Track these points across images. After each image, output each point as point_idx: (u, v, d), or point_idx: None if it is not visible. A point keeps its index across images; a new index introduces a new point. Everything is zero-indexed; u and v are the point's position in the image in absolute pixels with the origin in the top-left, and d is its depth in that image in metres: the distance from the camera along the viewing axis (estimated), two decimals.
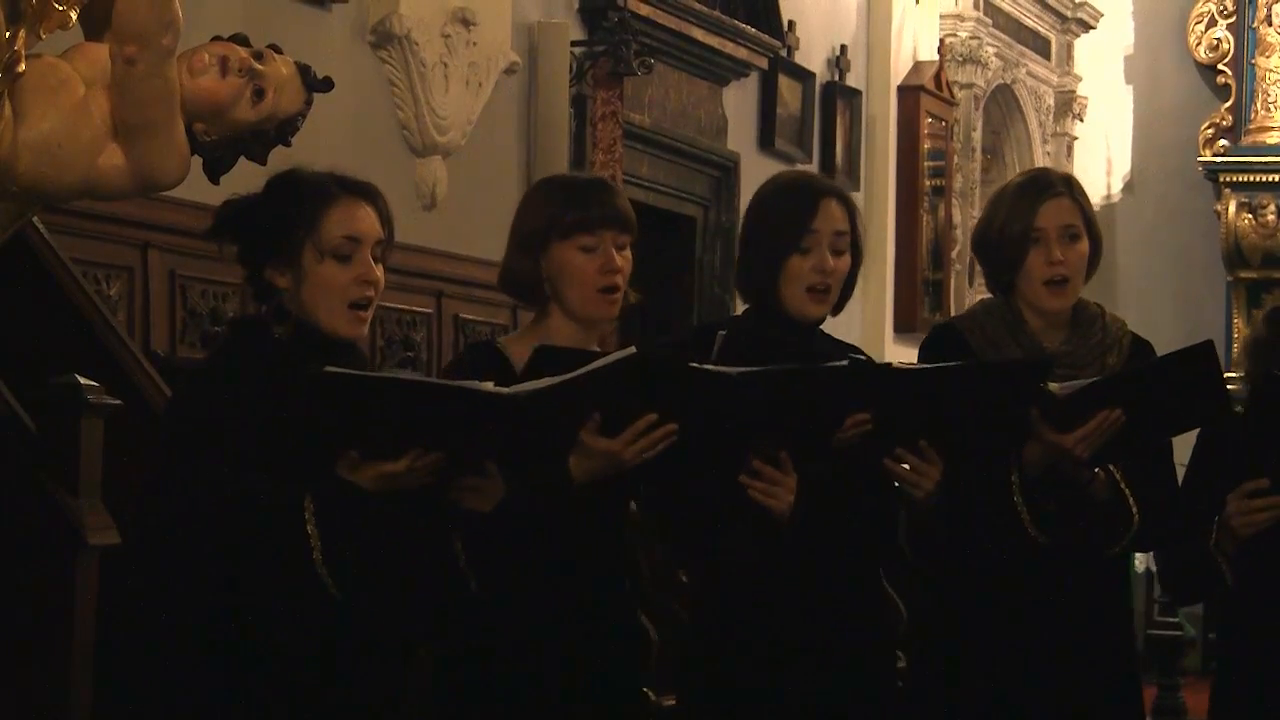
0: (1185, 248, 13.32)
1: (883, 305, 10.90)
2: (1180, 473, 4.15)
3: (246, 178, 3.65)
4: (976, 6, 11.77)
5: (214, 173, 3.92)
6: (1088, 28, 13.32)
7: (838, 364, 3.70)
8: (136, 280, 5.95)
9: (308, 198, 3.46)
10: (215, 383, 3.44)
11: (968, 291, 11.37)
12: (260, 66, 3.85)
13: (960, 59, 11.63)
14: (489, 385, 3.37)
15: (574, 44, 8.08)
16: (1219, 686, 4.37)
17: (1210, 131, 13.19)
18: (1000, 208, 4.13)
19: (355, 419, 3.29)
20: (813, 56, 10.26)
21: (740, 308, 4.25)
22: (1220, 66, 13.27)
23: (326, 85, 3.99)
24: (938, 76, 11.26)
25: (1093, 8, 13.22)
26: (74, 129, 3.75)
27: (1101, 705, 4.07)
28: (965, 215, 11.39)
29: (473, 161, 7.50)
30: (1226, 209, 12.97)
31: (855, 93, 10.66)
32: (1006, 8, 12.31)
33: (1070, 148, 13.27)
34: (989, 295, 4.24)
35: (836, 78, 10.48)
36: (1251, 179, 12.97)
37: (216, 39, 3.91)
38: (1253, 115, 13.06)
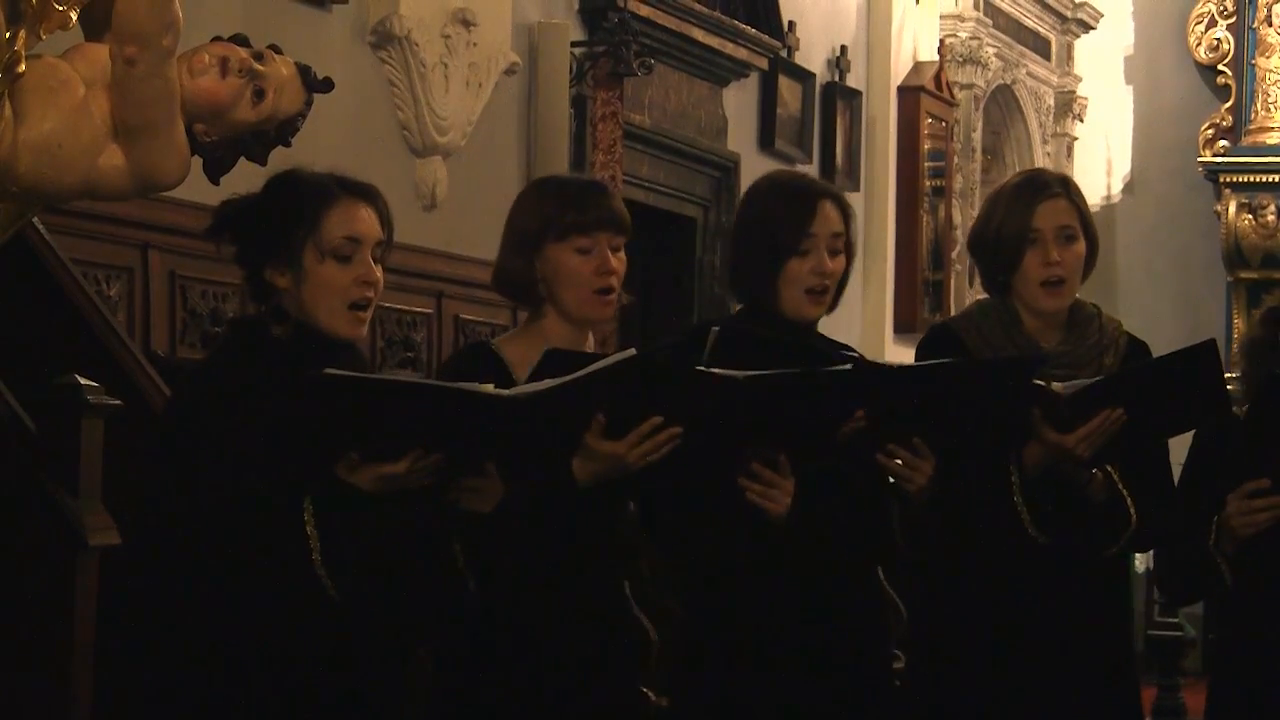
0: (1185, 248, 13.32)
1: (883, 305, 10.90)
2: (1175, 472, 4.16)
3: (247, 178, 3.65)
4: (976, 7, 11.78)
5: (214, 173, 3.92)
6: (1088, 28, 13.32)
7: (841, 367, 3.70)
8: (136, 281, 5.95)
9: (309, 198, 3.46)
10: (214, 383, 3.44)
11: (968, 292, 11.36)
12: (260, 67, 3.85)
13: (960, 59, 11.63)
14: (489, 387, 3.38)
15: (574, 44, 8.08)
16: (1216, 686, 4.38)
17: (1210, 132, 13.19)
18: (997, 208, 4.13)
19: (355, 421, 3.29)
20: (813, 57, 10.26)
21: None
22: (1220, 67, 13.27)
23: (327, 86, 4.00)
24: (938, 77, 11.26)
25: (1093, 8, 13.22)
26: (74, 129, 3.75)
27: (1100, 706, 4.07)
28: (965, 215, 11.38)
29: (473, 162, 7.50)
30: (1226, 209, 12.97)
31: (855, 93, 10.67)
32: (1006, 8, 12.31)
33: (1070, 148, 13.28)
34: (986, 296, 4.25)
35: (837, 78, 10.49)
36: (1252, 179, 12.97)
37: (217, 39, 3.92)
38: (1253, 115, 13.06)
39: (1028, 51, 12.69)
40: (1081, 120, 13.36)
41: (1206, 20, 13.32)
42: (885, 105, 10.93)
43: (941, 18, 11.48)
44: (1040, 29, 12.89)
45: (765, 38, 9.46)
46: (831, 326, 4.07)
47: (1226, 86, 13.23)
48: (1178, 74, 13.42)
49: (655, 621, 4.03)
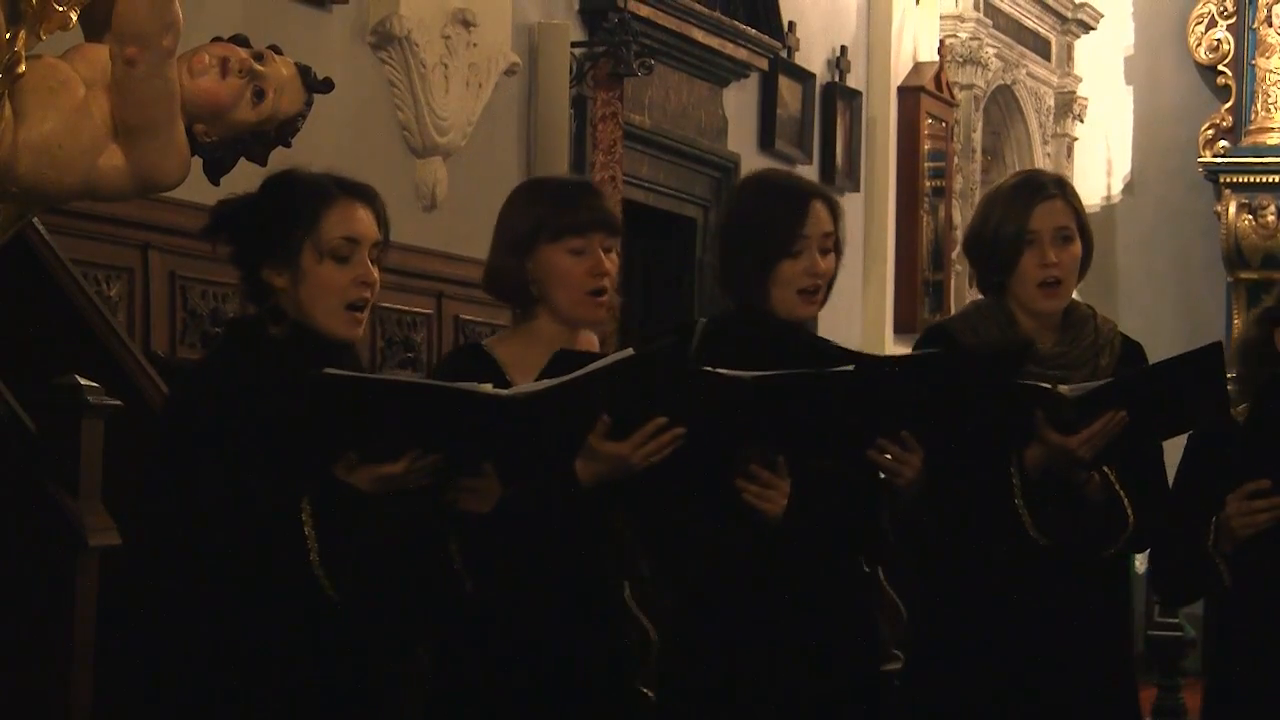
0: (1185, 248, 13.32)
1: (883, 305, 10.89)
2: (1170, 473, 4.16)
3: (247, 178, 3.65)
4: (977, 7, 11.77)
5: (214, 174, 3.92)
6: (1088, 29, 13.32)
7: (845, 368, 3.70)
8: (137, 281, 5.95)
9: (307, 198, 3.47)
10: (212, 383, 3.44)
11: (968, 292, 11.35)
12: (260, 68, 3.85)
13: (960, 60, 11.63)
14: (487, 387, 3.38)
15: (574, 45, 8.08)
16: (1212, 686, 4.38)
17: (1210, 132, 13.19)
18: (993, 210, 4.13)
19: (354, 421, 3.30)
20: (813, 57, 10.26)
21: None
22: (1220, 67, 13.26)
23: (327, 86, 4.00)
24: (938, 77, 11.26)
25: (1093, 9, 13.22)
26: (74, 130, 3.75)
27: (1097, 706, 4.08)
28: (965, 216, 11.36)
29: (473, 162, 7.50)
30: (1226, 210, 12.97)
31: (855, 94, 10.66)
32: (1007, 9, 12.31)
33: (1070, 149, 13.27)
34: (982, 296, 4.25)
35: (837, 79, 10.49)
36: (1252, 180, 12.97)
37: (217, 40, 3.92)
38: (1253, 116, 13.05)
39: (1028, 52, 12.69)
40: (1081, 121, 13.36)
41: (1206, 21, 13.32)
42: (885, 106, 10.93)
43: (941, 18, 11.48)
44: (1040, 29, 12.88)
45: (765, 38, 9.46)
46: (832, 326, 4.08)
47: (1226, 87, 13.23)
48: (1178, 74, 13.42)
49: (655, 621, 4.03)
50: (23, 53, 3.71)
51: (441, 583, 3.48)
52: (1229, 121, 13.16)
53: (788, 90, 9.95)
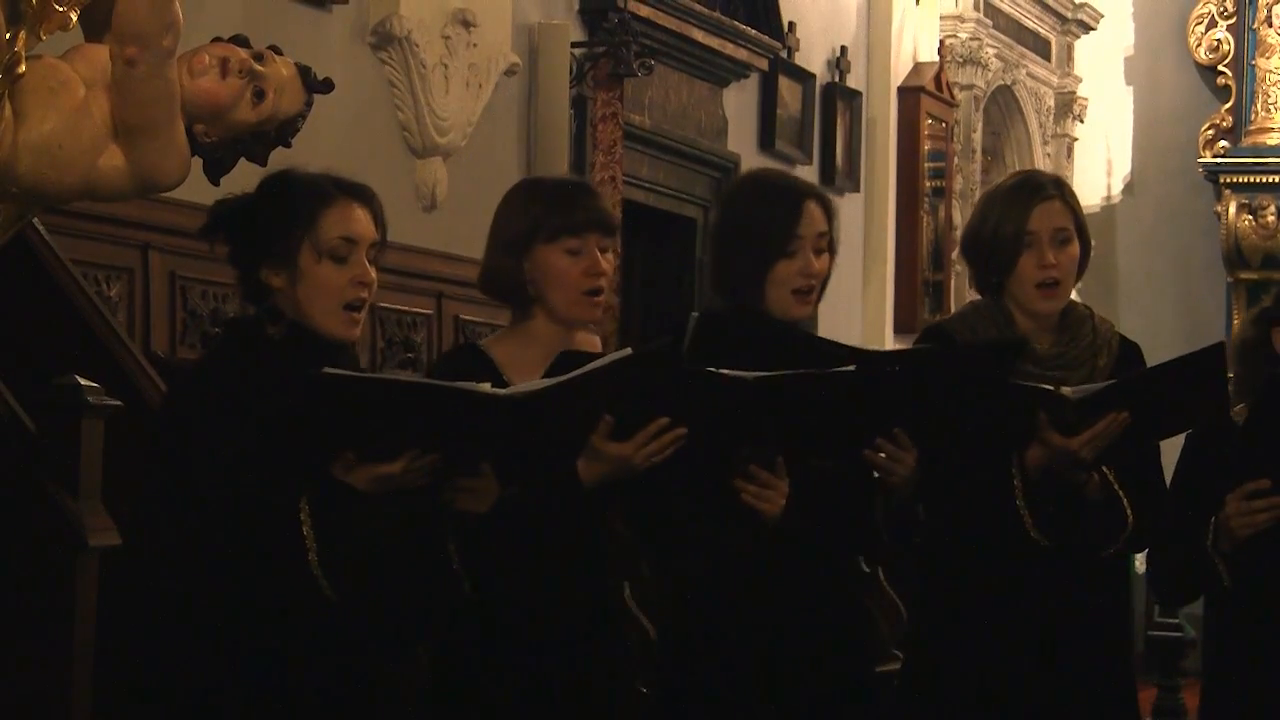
0: (1185, 249, 13.32)
1: (883, 306, 10.89)
2: (1169, 473, 4.17)
3: (246, 178, 3.66)
4: (977, 8, 11.77)
5: (214, 174, 3.92)
6: (1088, 29, 13.32)
7: (846, 368, 3.70)
8: (137, 281, 5.95)
9: (304, 198, 3.47)
10: (210, 383, 3.44)
11: (968, 292, 11.33)
12: (260, 68, 3.85)
13: (960, 60, 11.63)
14: (486, 386, 3.38)
15: (574, 45, 8.08)
16: (1210, 686, 4.39)
17: (1210, 133, 13.19)
18: (992, 210, 4.14)
19: (352, 420, 3.30)
20: (813, 58, 10.26)
21: None
22: (1220, 68, 13.26)
23: (327, 86, 4.00)
24: (938, 78, 11.26)
25: (1093, 9, 13.22)
26: (74, 130, 3.75)
27: (1097, 706, 4.08)
28: (965, 216, 11.33)
29: (473, 163, 7.50)
30: (1227, 210, 12.97)
31: (855, 94, 10.66)
32: (1007, 9, 12.31)
33: (1070, 149, 13.27)
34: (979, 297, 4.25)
35: (837, 79, 10.49)
36: (1252, 180, 12.96)
37: (217, 40, 3.92)
38: (1253, 116, 13.05)
39: (1028, 52, 12.69)
40: (1081, 121, 13.36)
41: (1206, 21, 13.31)
42: (885, 106, 10.93)
43: (941, 18, 11.48)
44: (1040, 30, 12.88)
45: (765, 38, 9.46)
46: (832, 326, 4.08)
47: (1226, 87, 13.23)
48: (1178, 74, 13.42)
49: (655, 621, 4.04)
50: (23, 53, 3.71)
51: (440, 583, 3.48)
52: (1229, 122, 13.16)
53: (788, 90, 9.95)
